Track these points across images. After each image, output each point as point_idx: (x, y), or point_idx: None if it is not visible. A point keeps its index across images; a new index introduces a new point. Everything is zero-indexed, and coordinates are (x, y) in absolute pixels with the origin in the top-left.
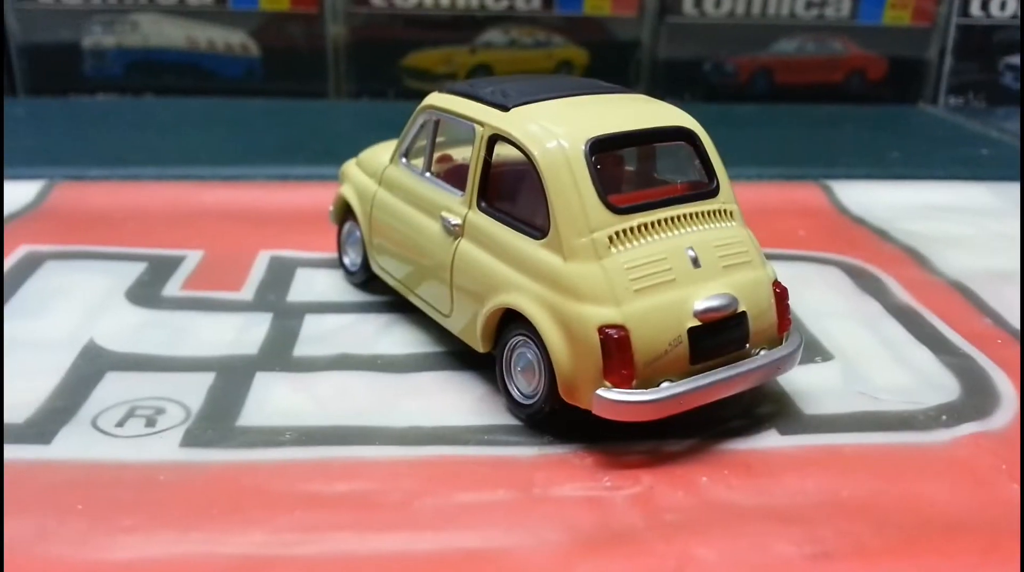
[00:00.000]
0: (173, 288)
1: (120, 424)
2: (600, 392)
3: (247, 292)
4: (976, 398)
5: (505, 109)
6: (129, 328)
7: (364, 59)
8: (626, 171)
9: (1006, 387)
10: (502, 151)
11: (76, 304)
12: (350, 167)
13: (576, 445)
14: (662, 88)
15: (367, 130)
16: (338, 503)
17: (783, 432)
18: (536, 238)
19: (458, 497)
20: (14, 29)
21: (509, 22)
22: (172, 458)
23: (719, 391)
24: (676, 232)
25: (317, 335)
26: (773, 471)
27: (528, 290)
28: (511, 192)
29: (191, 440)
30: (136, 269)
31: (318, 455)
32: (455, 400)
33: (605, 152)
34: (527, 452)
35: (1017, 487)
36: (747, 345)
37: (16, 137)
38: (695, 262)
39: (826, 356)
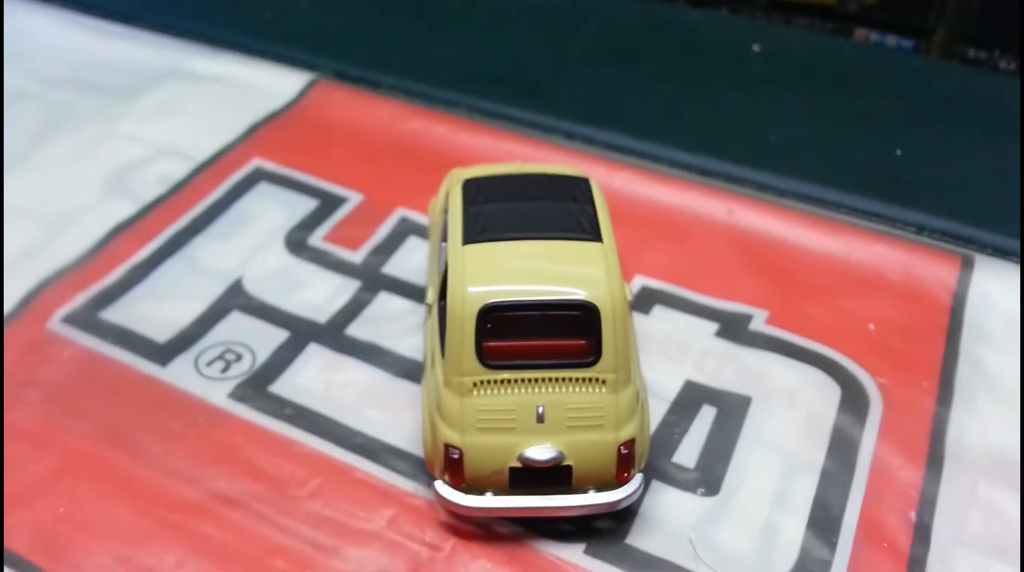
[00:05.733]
0: (318, 237)
1: (209, 364)
2: (436, 484)
3: (361, 253)
4: None
5: (464, 242)
6: (268, 272)
7: None
8: (527, 322)
9: None
10: None
11: (249, 238)
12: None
13: None
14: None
15: None
16: (256, 474)
17: (588, 551)
18: (442, 356)
19: (327, 504)
20: None
21: None
22: (217, 404)
23: (532, 513)
24: (535, 391)
25: (374, 316)
26: None
27: (428, 384)
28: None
29: (235, 393)
30: (309, 206)
31: (287, 432)
32: (407, 421)
33: (502, 313)
34: (407, 487)
35: None
36: (571, 485)
37: (328, 17)
38: (540, 418)
39: (713, 491)
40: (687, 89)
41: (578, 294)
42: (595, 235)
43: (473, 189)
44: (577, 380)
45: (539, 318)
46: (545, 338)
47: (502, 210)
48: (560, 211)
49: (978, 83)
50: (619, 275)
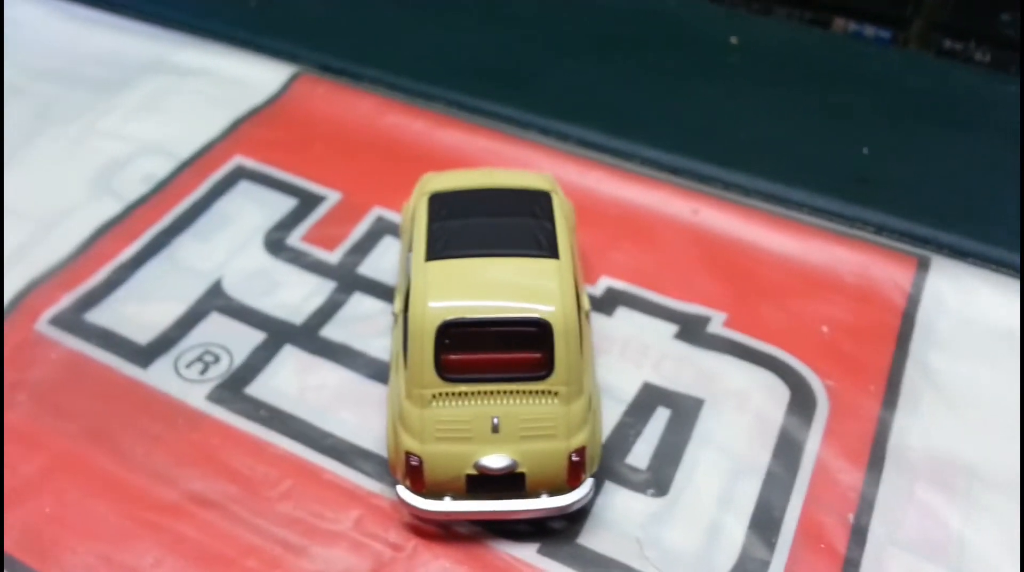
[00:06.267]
0: (296, 237)
1: (188, 365)
2: (399, 488)
3: (337, 254)
4: None
5: (427, 258)
6: (248, 273)
7: None
8: (484, 338)
9: None
10: None
11: (229, 238)
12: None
13: None
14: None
15: None
16: (231, 476)
17: (541, 551)
18: (405, 365)
19: (297, 505)
20: None
21: None
22: (195, 406)
23: (488, 516)
24: (491, 402)
25: (348, 317)
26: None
27: (393, 391)
28: None
29: (213, 395)
30: (287, 206)
31: (261, 434)
32: (376, 423)
33: (460, 328)
34: (373, 488)
35: None
36: (525, 490)
37: (312, 7)
38: (495, 428)
39: (662, 491)
40: (663, 84)
41: (532, 311)
42: (552, 252)
43: (437, 204)
44: (531, 392)
45: (495, 334)
46: (501, 352)
47: (464, 227)
48: (519, 227)
49: (951, 78)
50: (573, 292)
